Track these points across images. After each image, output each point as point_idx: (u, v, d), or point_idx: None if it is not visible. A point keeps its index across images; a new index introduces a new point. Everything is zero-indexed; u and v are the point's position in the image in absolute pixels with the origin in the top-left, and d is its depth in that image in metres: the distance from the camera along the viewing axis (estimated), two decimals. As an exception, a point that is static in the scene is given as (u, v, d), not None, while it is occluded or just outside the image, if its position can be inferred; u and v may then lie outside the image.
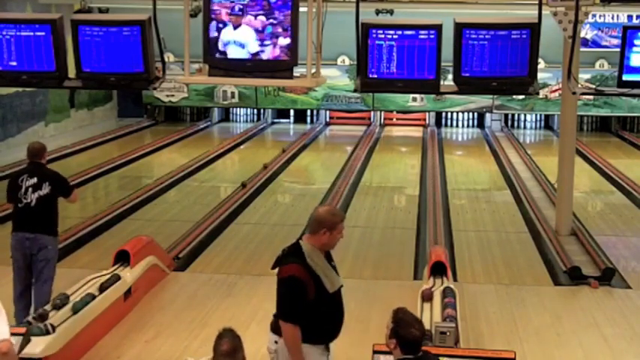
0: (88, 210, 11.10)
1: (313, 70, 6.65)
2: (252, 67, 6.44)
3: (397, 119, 20.74)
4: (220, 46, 6.39)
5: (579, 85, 7.96)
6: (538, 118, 20.75)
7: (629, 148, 17.88)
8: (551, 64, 16.99)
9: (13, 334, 5.39)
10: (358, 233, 10.38)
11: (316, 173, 15.65)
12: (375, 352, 5.03)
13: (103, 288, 6.81)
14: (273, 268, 4.90)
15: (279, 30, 6.31)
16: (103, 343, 6.56)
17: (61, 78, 6.70)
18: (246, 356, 4.11)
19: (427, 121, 20.59)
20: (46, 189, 6.73)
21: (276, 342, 4.74)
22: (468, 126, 20.88)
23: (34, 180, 6.74)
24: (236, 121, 21.42)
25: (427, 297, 6.55)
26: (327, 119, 20.96)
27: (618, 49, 6.88)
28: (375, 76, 6.40)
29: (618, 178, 13.71)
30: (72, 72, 6.65)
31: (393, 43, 6.31)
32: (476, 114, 20.64)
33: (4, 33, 6.59)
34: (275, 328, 4.78)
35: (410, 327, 4.09)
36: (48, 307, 6.19)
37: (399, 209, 12.16)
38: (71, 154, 15.58)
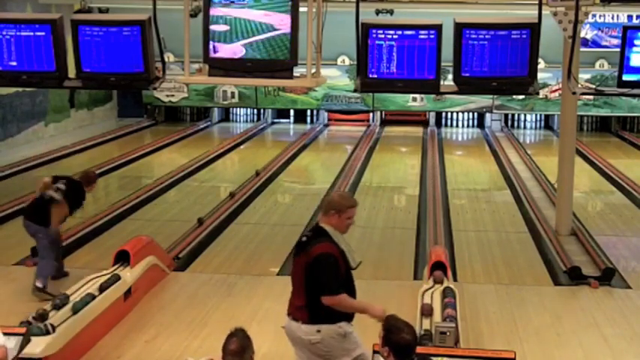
0: (88, 210, 11.09)
1: (313, 70, 6.66)
2: (252, 67, 6.45)
3: (398, 115, 20.68)
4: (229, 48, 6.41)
5: (579, 85, 7.96)
6: (538, 118, 20.75)
7: (629, 148, 17.88)
8: (551, 64, 16.99)
9: (13, 334, 5.40)
10: (358, 233, 10.36)
11: (316, 173, 15.65)
12: (374, 352, 5.03)
13: (103, 288, 6.81)
14: (297, 254, 4.96)
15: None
16: (103, 343, 6.57)
17: (61, 78, 6.71)
18: (254, 357, 4.11)
19: (427, 116, 20.57)
20: (59, 197, 7.68)
21: (318, 331, 4.81)
22: (468, 126, 20.88)
23: (63, 187, 7.75)
24: (236, 121, 21.43)
25: (427, 312, 6.51)
26: (326, 121, 20.95)
27: (618, 49, 6.88)
28: (375, 76, 6.41)
29: (618, 178, 13.71)
30: (72, 72, 6.65)
31: (393, 43, 6.32)
32: (476, 114, 20.64)
33: (4, 33, 6.59)
34: (311, 318, 4.83)
35: (401, 332, 4.08)
36: (48, 306, 6.20)
37: (399, 209, 12.15)
38: (71, 154, 15.57)
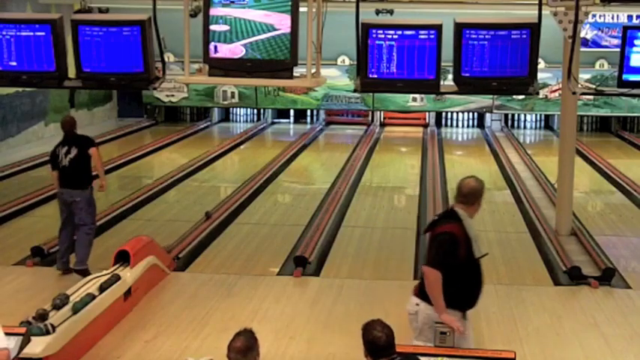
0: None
1: (313, 70, 6.65)
2: (252, 67, 6.45)
3: (397, 118, 20.67)
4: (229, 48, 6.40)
5: (579, 85, 7.96)
6: (538, 118, 20.75)
7: (629, 148, 17.88)
8: (551, 64, 16.99)
9: (13, 334, 5.39)
10: (358, 233, 10.38)
11: (316, 173, 15.65)
12: None
13: (103, 288, 6.82)
14: (426, 232, 5.26)
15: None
16: (103, 343, 6.57)
17: (61, 78, 6.70)
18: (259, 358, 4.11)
19: (427, 120, 20.58)
20: (74, 152, 8.17)
21: (417, 304, 5.10)
22: (468, 126, 20.88)
23: (66, 148, 8.22)
24: (236, 121, 21.43)
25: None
26: (324, 124, 20.92)
27: (618, 49, 6.88)
28: (375, 76, 6.40)
29: (618, 178, 13.71)
30: (72, 72, 6.65)
31: (393, 43, 6.32)
32: (476, 114, 20.64)
33: (4, 33, 6.59)
34: (417, 292, 5.14)
35: (372, 330, 4.09)
36: (48, 306, 6.20)
37: (399, 209, 12.16)
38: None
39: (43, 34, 6.53)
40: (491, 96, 18.78)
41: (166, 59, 6.76)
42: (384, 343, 4.08)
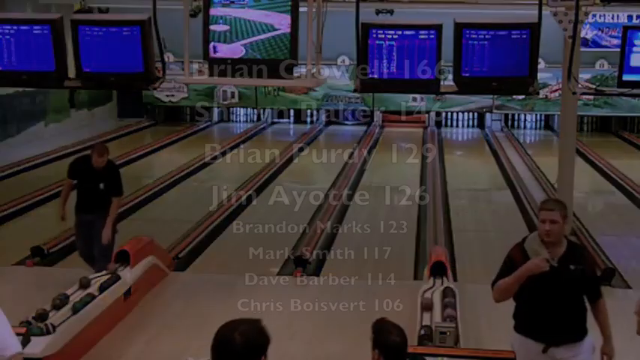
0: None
1: (313, 70, 6.65)
2: (252, 67, 6.44)
3: (395, 121, 20.65)
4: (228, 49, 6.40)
5: (579, 85, 7.96)
6: (538, 118, 20.75)
7: (629, 148, 17.88)
8: (551, 64, 16.98)
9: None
10: (359, 233, 10.37)
11: (316, 173, 15.65)
12: None
13: (102, 288, 6.82)
14: None
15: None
16: (103, 343, 6.56)
17: (61, 78, 6.69)
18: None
19: (427, 123, 20.57)
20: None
21: (512, 344, 5.09)
22: (468, 126, 20.88)
23: (102, 186, 7.97)
24: (236, 121, 21.43)
25: (427, 306, 6.53)
26: (323, 123, 20.92)
27: (618, 49, 6.88)
28: (375, 76, 6.40)
29: (618, 179, 13.71)
30: (72, 72, 6.65)
31: (393, 43, 6.31)
32: (476, 114, 20.64)
33: (4, 33, 6.58)
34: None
35: (389, 334, 4.07)
36: (48, 306, 6.20)
37: (399, 209, 12.15)
38: (71, 154, 15.55)
39: (43, 34, 6.52)
40: (491, 96, 18.79)
41: (166, 59, 6.76)
42: (403, 348, 4.07)
